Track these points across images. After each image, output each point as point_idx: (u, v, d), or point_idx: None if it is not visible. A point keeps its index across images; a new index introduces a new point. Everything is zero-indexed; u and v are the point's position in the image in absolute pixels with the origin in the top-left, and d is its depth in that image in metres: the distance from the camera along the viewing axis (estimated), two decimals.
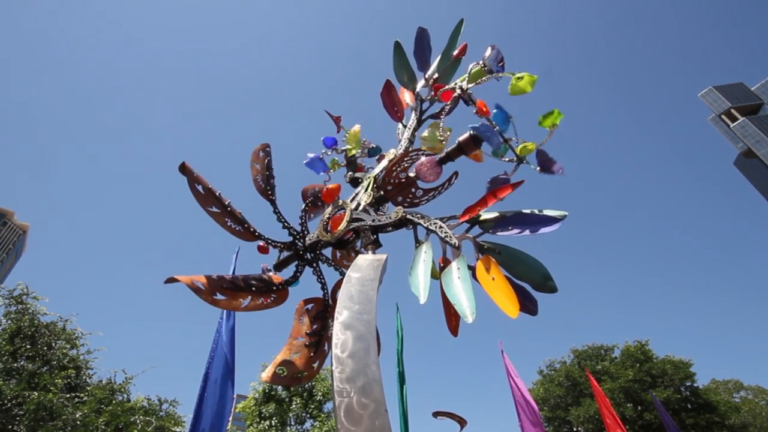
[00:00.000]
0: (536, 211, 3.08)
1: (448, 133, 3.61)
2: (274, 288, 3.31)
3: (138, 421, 12.67)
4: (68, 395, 12.43)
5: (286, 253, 3.64)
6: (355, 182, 4.11)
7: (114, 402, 13.15)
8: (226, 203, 3.33)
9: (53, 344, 13.59)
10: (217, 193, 3.29)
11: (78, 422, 11.53)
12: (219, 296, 2.90)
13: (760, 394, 41.67)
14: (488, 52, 3.58)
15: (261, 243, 3.51)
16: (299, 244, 3.61)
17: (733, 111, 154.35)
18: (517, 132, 3.24)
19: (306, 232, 3.72)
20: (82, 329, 14.81)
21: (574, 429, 32.59)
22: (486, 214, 3.20)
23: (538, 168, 3.22)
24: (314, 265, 3.66)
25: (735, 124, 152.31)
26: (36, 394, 11.32)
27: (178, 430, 14.47)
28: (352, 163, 4.31)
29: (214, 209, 3.26)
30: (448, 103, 3.74)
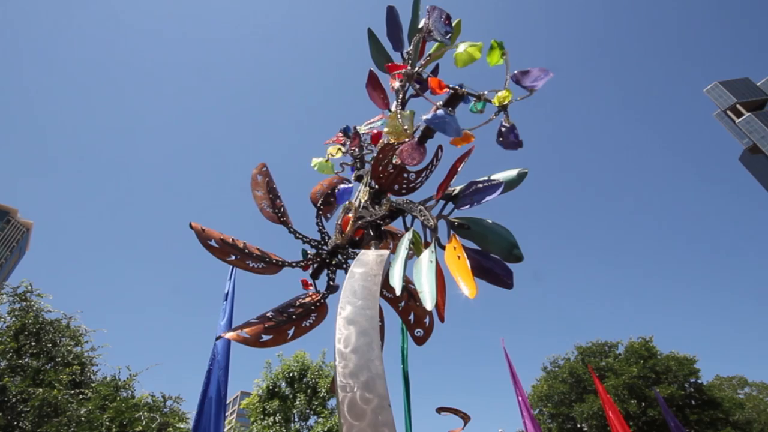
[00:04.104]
0: (485, 178, 3.08)
1: (411, 117, 3.52)
2: (313, 307, 3.32)
3: (142, 418, 12.73)
4: (73, 392, 12.50)
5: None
6: (361, 179, 4.10)
7: (118, 398, 13.22)
8: (241, 246, 3.34)
9: (57, 341, 13.66)
10: (230, 240, 3.32)
11: (82, 418, 11.60)
12: (265, 338, 2.96)
13: (765, 390, 41.56)
14: (429, 17, 3.45)
15: (304, 266, 3.56)
16: (323, 251, 3.62)
17: (738, 106, 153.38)
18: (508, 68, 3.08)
19: (327, 237, 3.72)
20: (86, 326, 14.93)
21: (578, 425, 32.60)
22: (459, 188, 3.18)
23: (528, 92, 3.07)
24: (344, 266, 3.66)
25: (740, 119, 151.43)
26: (41, 390, 11.39)
27: (182, 426, 14.55)
28: (359, 161, 4.29)
29: (232, 257, 3.30)
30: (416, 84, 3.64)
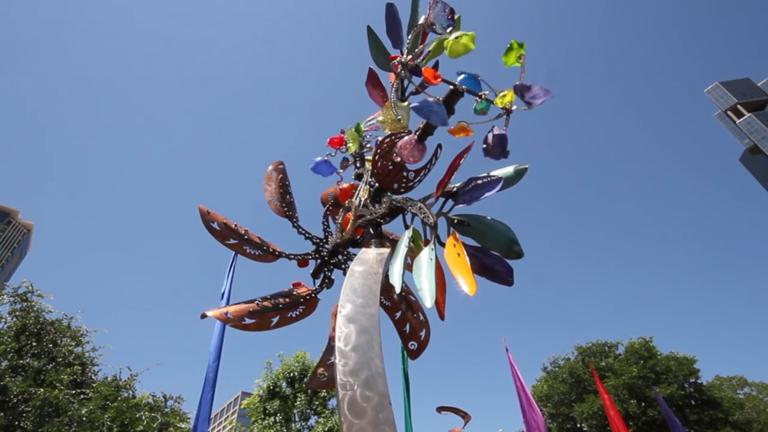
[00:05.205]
0: (484, 174, 3.08)
1: (407, 108, 3.49)
2: (302, 300, 3.35)
3: (143, 418, 12.75)
4: (74, 392, 12.52)
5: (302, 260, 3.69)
6: (361, 178, 4.10)
7: (119, 398, 13.25)
8: (242, 232, 3.44)
9: (58, 341, 13.69)
10: (233, 225, 3.42)
11: (84, 418, 11.61)
12: (247, 321, 3.00)
13: (764, 390, 41.50)
14: (431, 10, 3.41)
15: (301, 260, 3.59)
16: (323, 250, 3.65)
17: (739, 107, 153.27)
18: (492, 88, 3.11)
19: (330, 236, 3.75)
20: (86, 326, 14.97)
21: (578, 425, 32.58)
22: (458, 185, 3.18)
23: (525, 106, 3.06)
24: (343, 266, 3.67)
25: (741, 120, 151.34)
26: (42, 390, 11.40)
27: (183, 426, 14.57)
28: (360, 159, 4.29)
29: (232, 241, 3.40)
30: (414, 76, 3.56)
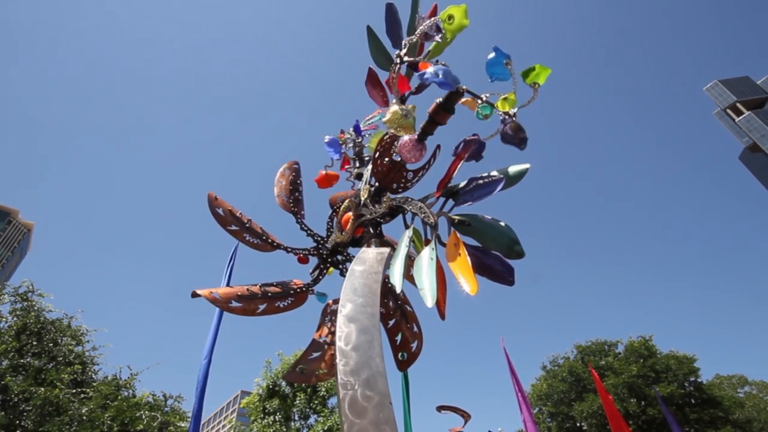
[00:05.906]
0: (485, 174, 3.10)
1: (412, 109, 3.48)
2: (292, 292, 3.40)
3: (143, 417, 12.77)
4: (74, 391, 12.55)
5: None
6: (360, 177, 4.12)
7: (119, 397, 13.27)
8: (245, 221, 3.57)
9: (59, 341, 13.72)
10: (238, 213, 3.56)
11: (84, 417, 11.63)
12: (234, 304, 3.05)
13: (765, 389, 41.52)
14: (419, 24, 3.50)
15: (299, 254, 3.67)
16: (323, 249, 3.71)
17: (738, 105, 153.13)
18: (515, 79, 3.03)
19: (333, 236, 3.80)
20: (87, 326, 15.00)
21: (578, 424, 32.62)
22: (459, 184, 3.19)
23: (501, 138, 3.12)
24: (340, 267, 3.70)
25: (740, 118, 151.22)
26: (42, 389, 11.44)
27: (182, 425, 14.59)
28: (360, 159, 4.32)
29: (233, 227, 3.53)
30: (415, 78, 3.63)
